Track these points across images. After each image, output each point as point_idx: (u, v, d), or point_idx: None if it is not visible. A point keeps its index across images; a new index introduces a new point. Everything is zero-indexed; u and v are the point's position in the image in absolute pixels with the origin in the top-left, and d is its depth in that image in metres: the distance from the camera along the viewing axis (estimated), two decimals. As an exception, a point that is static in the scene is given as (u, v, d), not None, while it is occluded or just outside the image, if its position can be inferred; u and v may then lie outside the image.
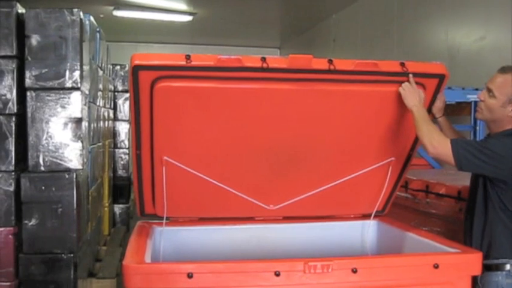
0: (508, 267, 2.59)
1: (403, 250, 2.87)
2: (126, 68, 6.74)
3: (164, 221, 2.87)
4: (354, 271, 2.26)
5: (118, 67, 6.80)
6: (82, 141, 3.40)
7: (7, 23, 3.24)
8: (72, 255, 3.33)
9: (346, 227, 3.16)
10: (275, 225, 3.08)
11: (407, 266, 2.37)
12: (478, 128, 5.32)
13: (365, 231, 3.14)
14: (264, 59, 2.41)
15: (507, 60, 4.75)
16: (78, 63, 3.35)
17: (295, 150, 2.77)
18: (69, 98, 3.36)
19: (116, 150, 6.65)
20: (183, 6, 9.92)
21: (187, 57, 2.36)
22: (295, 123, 2.66)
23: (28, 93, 3.32)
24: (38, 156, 3.33)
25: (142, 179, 2.77)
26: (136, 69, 2.35)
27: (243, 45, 12.34)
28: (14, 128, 3.26)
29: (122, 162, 6.70)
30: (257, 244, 3.03)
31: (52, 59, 3.32)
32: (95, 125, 4.44)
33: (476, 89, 5.06)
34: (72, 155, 3.37)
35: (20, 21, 3.31)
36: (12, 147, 3.25)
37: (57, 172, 3.34)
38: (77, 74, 3.35)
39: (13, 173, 3.26)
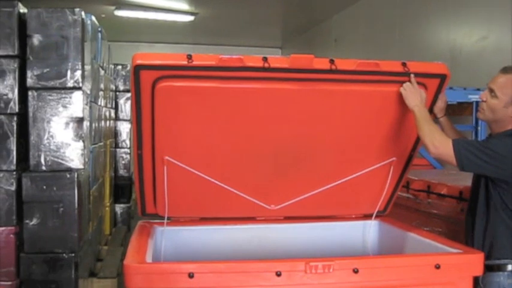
0: (509, 267, 2.59)
1: (405, 250, 2.87)
2: (128, 68, 6.74)
3: (165, 221, 2.87)
4: (355, 271, 2.26)
5: (119, 67, 6.81)
6: (83, 141, 3.40)
7: (9, 23, 3.24)
8: (73, 254, 3.33)
9: (347, 227, 3.16)
10: (276, 225, 3.08)
11: (408, 267, 2.37)
12: (479, 128, 5.32)
13: (366, 232, 3.14)
14: (265, 59, 2.41)
15: (509, 60, 4.75)
16: (80, 63, 3.35)
17: (297, 150, 2.77)
18: (70, 97, 3.36)
19: (117, 150, 6.65)
20: (185, 6, 9.92)
21: (189, 56, 2.36)
22: (297, 123, 2.66)
23: (30, 93, 3.32)
24: (39, 156, 3.33)
25: (143, 178, 2.77)
26: (137, 69, 2.35)
27: (244, 45, 12.35)
28: (15, 127, 3.26)
29: (123, 162, 6.70)
30: (258, 244, 3.03)
31: (54, 59, 3.32)
32: (97, 124, 4.44)
33: (478, 89, 5.06)
34: (74, 155, 3.37)
35: (22, 20, 3.31)
36: (13, 147, 3.25)
37: (59, 172, 3.34)
38: (78, 73, 3.35)
39: (14, 173, 3.26)
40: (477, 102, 4.96)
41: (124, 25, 10.87)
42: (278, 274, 2.21)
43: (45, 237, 3.30)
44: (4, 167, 3.24)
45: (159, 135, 2.58)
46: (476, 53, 5.90)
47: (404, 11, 7.58)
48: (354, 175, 2.89)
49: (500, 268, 2.59)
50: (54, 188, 3.31)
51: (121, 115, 6.70)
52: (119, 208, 6.61)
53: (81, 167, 3.40)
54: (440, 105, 2.82)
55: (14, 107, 3.27)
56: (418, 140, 2.82)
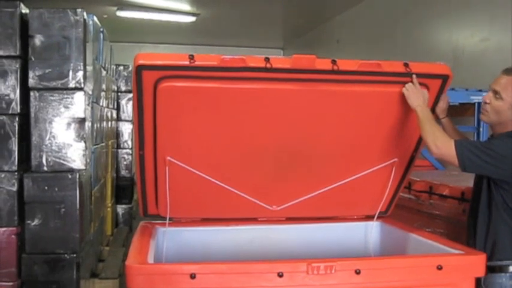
0: (511, 268, 2.58)
1: (407, 251, 2.87)
2: (130, 69, 6.76)
3: (167, 222, 2.87)
4: (357, 272, 2.25)
5: (121, 67, 6.82)
6: (85, 142, 3.40)
7: (11, 23, 3.25)
8: (74, 255, 3.33)
9: (349, 228, 3.16)
10: (278, 226, 3.08)
11: (410, 268, 2.36)
12: (481, 129, 5.30)
13: (368, 233, 3.13)
14: (267, 59, 2.40)
15: (510, 61, 4.74)
16: (82, 64, 3.36)
17: (299, 151, 2.76)
18: (72, 98, 3.36)
19: (119, 150, 6.67)
20: (187, 7, 9.92)
21: (191, 57, 2.35)
22: (298, 124, 2.66)
23: (31, 93, 3.32)
24: (41, 157, 3.34)
25: (145, 179, 2.77)
26: (139, 69, 2.35)
27: (246, 46, 12.33)
28: (17, 128, 3.27)
29: (125, 163, 6.72)
30: (260, 245, 3.03)
31: (55, 59, 3.33)
32: (98, 125, 4.45)
33: (480, 90, 5.06)
34: (75, 155, 3.38)
35: (24, 21, 3.31)
36: (15, 147, 3.25)
37: (60, 172, 3.34)
38: (80, 74, 3.35)
39: (16, 173, 3.26)
40: (479, 103, 4.95)
41: (126, 26, 10.87)
42: (280, 275, 2.20)
43: (46, 238, 3.30)
44: (6, 168, 3.24)
45: (160, 136, 2.58)
46: (478, 54, 5.89)
47: (407, 12, 7.57)
48: (356, 176, 2.88)
49: (502, 269, 2.59)
50: (56, 189, 3.31)
51: (123, 116, 6.72)
52: (121, 209, 6.63)
53: (83, 167, 3.40)
54: (442, 106, 2.82)
55: (16, 107, 3.27)
56: (420, 140, 2.81)
